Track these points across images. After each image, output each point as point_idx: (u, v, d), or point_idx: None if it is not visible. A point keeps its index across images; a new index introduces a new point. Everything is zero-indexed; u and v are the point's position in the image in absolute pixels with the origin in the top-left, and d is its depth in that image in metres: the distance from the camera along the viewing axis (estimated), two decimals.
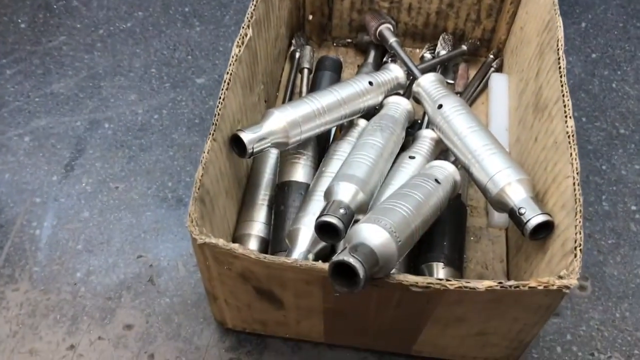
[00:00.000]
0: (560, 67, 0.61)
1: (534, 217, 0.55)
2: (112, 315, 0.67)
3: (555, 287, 0.47)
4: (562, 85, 0.60)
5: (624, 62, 0.92)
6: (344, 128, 0.72)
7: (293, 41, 0.87)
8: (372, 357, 0.64)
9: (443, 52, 0.83)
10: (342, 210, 0.54)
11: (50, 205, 0.75)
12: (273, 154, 0.71)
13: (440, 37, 0.85)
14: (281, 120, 0.62)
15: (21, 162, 0.79)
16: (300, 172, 0.68)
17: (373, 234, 0.47)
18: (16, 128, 0.82)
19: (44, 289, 0.69)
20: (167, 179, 0.78)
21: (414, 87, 0.71)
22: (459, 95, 0.81)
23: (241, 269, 0.51)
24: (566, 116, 0.58)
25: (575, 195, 0.52)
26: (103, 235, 0.73)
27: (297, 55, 0.85)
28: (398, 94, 0.76)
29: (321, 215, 0.54)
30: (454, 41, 0.85)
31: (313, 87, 0.81)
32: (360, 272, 0.43)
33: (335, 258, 0.44)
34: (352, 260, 0.43)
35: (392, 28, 0.81)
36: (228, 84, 0.59)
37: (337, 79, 0.83)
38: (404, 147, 0.70)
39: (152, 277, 0.70)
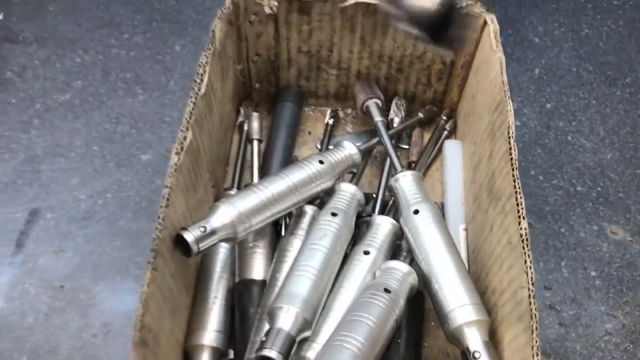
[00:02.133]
0: (512, 159, 0.60)
1: None
2: None
3: None
4: (514, 181, 0.58)
5: (578, 111, 0.91)
6: (293, 217, 0.69)
7: (241, 110, 0.83)
8: None
9: (397, 119, 0.81)
10: (281, 341, 0.52)
11: None
12: (222, 251, 0.68)
13: (393, 102, 0.83)
14: (228, 215, 0.59)
15: None
16: (260, 268, 0.66)
17: None
18: None
19: None
20: (115, 273, 0.74)
21: (392, 182, 0.68)
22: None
23: None
24: (519, 216, 0.56)
25: (531, 310, 0.51)
26: (49, 343, 0.69)
27: (246, 127, 0.82)
28: (352, 172, 0.74)
29: (260, 348, 0.52)
30: (407, 105, 0.83)
31: (273, 122, 0.82)
32: None
33: None
34: None
35: (380, 104, 0.78)
36: (167, 199, 0.56)
37: (298, 111, 0.84)
38: (359, 233, 0.68)
39: None
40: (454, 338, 0.57)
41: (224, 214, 0.60)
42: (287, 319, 0.54)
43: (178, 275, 0.60)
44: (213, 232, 0.58)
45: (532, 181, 0.83)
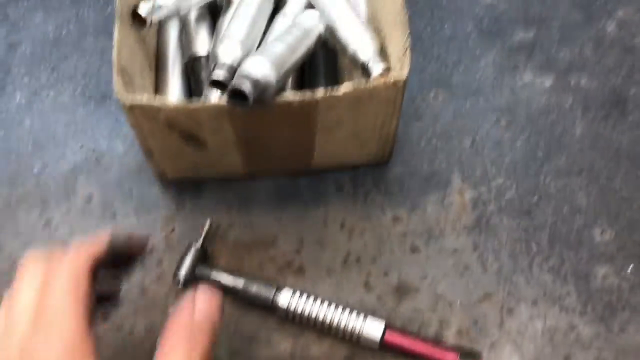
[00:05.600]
0: None
1: (376, 68, 0.72)
2: (74, 193, 0.82)
3: (392, 81, 0.66)
4: None
5: None
6: (224, 5, 0.86)
7: None
8: (286, 180, 0.83)
9: None
10: (225, 68, 0.70)
11: None
12: (172, 37, 0.85)
13: None
14: None
15: None
16: (205, 44, 0.83)
17: (254, 64, 0.63)
18: None
19: (9, 187, 0.83)
20: (88, 80, 0.91)
21: None
22: None
23: (165, 118, 0.67)
24: None
25: (403, 9, 0.70)
26: (47, 136, 0.87)
27: None
28: None
29: (210, 74, 0.70)
30: None
31: None
32: (248, 90, 0.60)
33: (230, 87, 0.61)
34: (240, 82, 0.61)
35: None
36: None
37: None
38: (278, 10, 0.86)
39: (97, 158, 0.85)
40: (355, 60, 0.76)
41: None
42: (228, 53, 0.72)
43: (138, 43, 0.77)
44: (160, 7, 0.76)
45: None
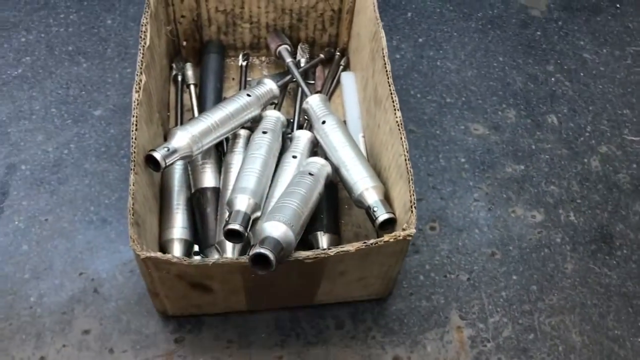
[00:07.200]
0: (386, 71, 0.81)
1: (381, 215, 0.75)
2: (70, 325, 0.81)
3: (401, 238, 0.68)
4: (389, 86, 0.80)
5: (443, 42, 1.15)
6: (231, 140, 0.88)
7: (173, 66, 1.01)
8: (285, 313, 0.83)
9: (303, 60, 1.02)
10: (240, 218, 0.72)
11: None
12: (177, 170, 0.86)
13: (299, 47, 1.03)
14: (184, 138, 0.78)
15: None
16: (211, 178, 0.85)
17: (275, 228, 0.65)
18: None
19: (3, 317, 0.81)
20: (89, 204, 0.91)
21: (304, 105, 0.89)
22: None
23: (177, 271, 0.67)
24: (394, 109, 0.78)
25: (407, 168, 0.73)
26: (45, 262, 0.85)
27: (180, 77, 0.99)
28: (274, 103, 0.93)
29: (226, 224, 0.72)
30: (310, 48, 1.04)
31: (202, 71, 1.00)
32: (272, 258, 0.61)
33: (252, 252, 0.62)
34: (264, 251, 0.61)
35: (289, 48, 0.99)
36: (136, 125, 0.74)
37: (222, 60, 1.02)
38: (285, 147, 0.88)
39: (96, 288, 0.84)
40: (360, 202, 0.78)
41: (181, 137, 0.78)
42: (242, 203, 0.74)
43: (149, 185, 0.78)
44: (175, 151, 0.77)
45: (412, 99, 1.06)
